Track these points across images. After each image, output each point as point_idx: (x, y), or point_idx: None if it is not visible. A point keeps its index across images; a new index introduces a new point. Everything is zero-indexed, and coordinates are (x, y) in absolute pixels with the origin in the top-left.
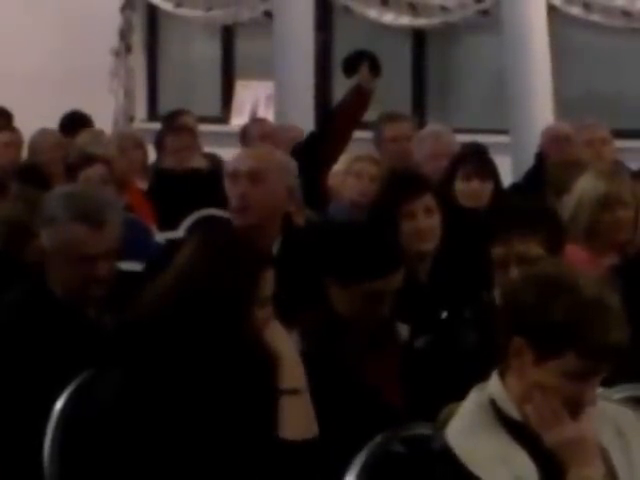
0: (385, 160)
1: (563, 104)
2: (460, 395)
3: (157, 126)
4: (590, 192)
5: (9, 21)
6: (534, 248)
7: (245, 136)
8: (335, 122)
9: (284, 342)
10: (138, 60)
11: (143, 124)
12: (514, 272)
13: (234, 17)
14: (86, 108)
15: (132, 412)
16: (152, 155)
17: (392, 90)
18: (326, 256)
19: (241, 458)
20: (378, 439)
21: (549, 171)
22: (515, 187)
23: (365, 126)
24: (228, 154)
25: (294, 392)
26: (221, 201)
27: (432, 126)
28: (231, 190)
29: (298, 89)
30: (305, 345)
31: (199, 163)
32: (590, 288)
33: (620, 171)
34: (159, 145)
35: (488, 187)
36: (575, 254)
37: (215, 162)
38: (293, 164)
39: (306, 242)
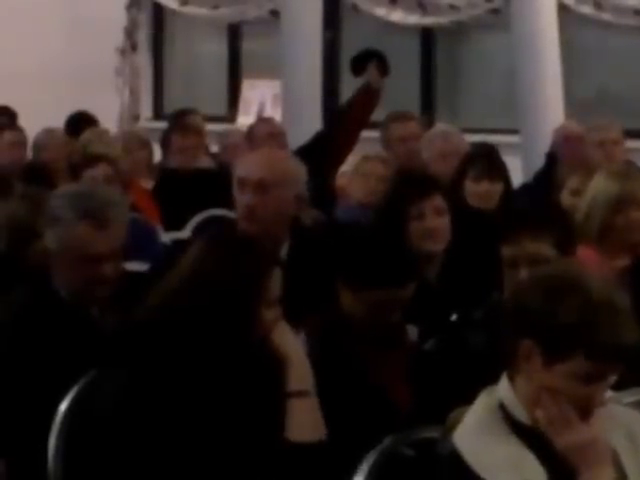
0: (393, 160)
1: (574, 104)
2: (469, 398)
3: (162, 125)
4: (603, 193)
5: (14, 20)
6: (546, 248)
7: (251, 136)
8: (343, 122)
9: (292, 344)
10: (144, 58)
11: (148, 123)
12: (525, 273)
13: (240, 15)
14: (91, 107)
15: (137, 413)
16: (157, 153)
17: (400, 89)
18: (342, 259)
19: (248, 460)
20: (386, 442)
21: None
22: (525, 188)
23: (372, 126)
24: None
25: (302, 394)
26: (227, 201)
27: (440, 126)
28: (238, 197)
29: (305, 88)
30: (313, 347)
31: (205, 163)
32: (599, 289)
33: (633, 172)
34: (165, 144)
35: (498, 188)
36: (587, 256)
37: (221, 162)
38: (303, 171)
39: (315, 242)
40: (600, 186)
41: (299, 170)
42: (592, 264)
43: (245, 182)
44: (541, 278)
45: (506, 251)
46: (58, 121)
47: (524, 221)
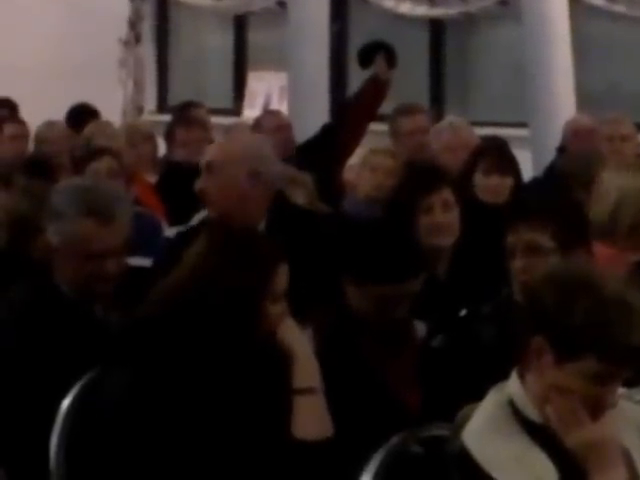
0: (401, 153)
1: (585, 97)
2: (479, 394)
3: (167, 118)
4: (633, 190)
5: (16, 11)
6: (542, 238)
7: (258, 128)
8: (351, 114)
9: (298, 340)
10: (148, 50)
11: (152, 115)
12: (520, 261)
13: (246, 6)
14: (94, 99)
15: (141, 410)
16: (161, 147)
17: (409, 82)
18: (348, 253)
19: (254, 457)
20: (395, 439)
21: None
22: (535, 182)
23: (381, 118)
24: None
25: (308, 391)
26: None
27: (449, 119)
28: None
29: (312, 80)
30: (319, 343)
31: None
32: (612, 288)
33: None
34: (169, 137)
35: (508, 182)
36: (605, 254)
37: None
38: (258, 146)
39: (321, 236)
40: (627, 183)
41: (251, 147)
42: (611, 262)
43: (202, 169)
44: (555, 275)
45: (508, 239)
46: (61, 114)
47: (524, 210)
